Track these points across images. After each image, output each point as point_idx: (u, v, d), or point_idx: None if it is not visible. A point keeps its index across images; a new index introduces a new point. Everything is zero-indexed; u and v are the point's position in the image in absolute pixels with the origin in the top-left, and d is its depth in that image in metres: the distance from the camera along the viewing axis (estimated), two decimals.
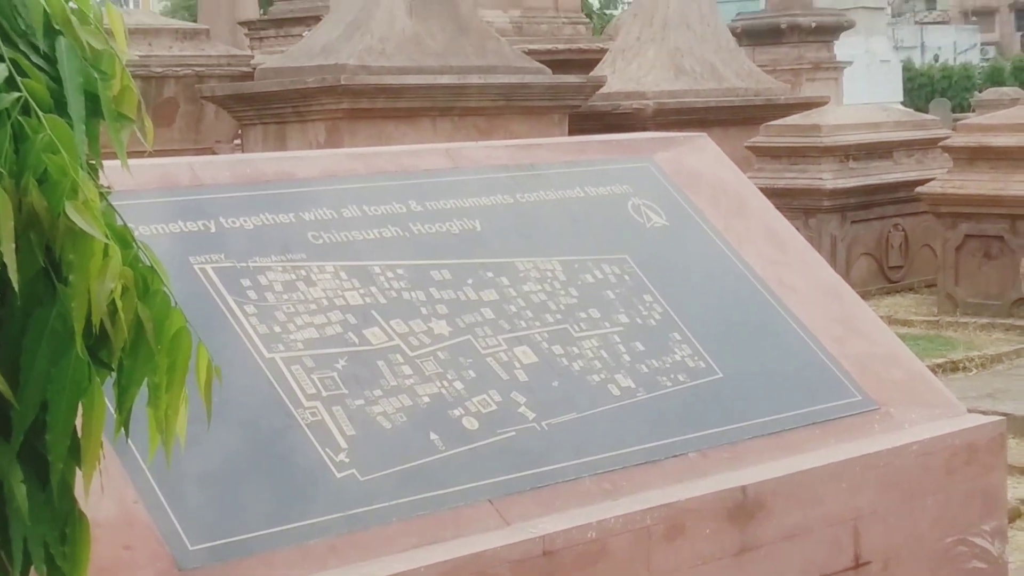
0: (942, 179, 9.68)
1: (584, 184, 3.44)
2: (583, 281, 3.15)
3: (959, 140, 9.86)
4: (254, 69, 10.44)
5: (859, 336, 3.40)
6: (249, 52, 14.63)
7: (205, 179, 2.90)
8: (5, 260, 1.44)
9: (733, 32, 16.99)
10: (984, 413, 3.61)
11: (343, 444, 2.55)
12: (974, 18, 65.63)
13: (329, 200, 3.02)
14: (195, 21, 18.90)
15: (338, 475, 2.51)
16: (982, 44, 57.30)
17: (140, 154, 2.07)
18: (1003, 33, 65.66)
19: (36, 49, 1.57)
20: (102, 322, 1.54)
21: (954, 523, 3.18)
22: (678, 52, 11.61)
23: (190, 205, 2.82)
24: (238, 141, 10.00)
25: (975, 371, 7.39)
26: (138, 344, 1.60)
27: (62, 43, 1.56)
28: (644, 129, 9.96)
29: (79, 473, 1.58)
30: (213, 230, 2.80)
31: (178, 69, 10.61)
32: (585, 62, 11.61)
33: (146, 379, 1.62)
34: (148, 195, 2.74)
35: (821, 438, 3.07)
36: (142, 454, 2.23)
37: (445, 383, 2.75)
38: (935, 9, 68.10)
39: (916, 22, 59.20)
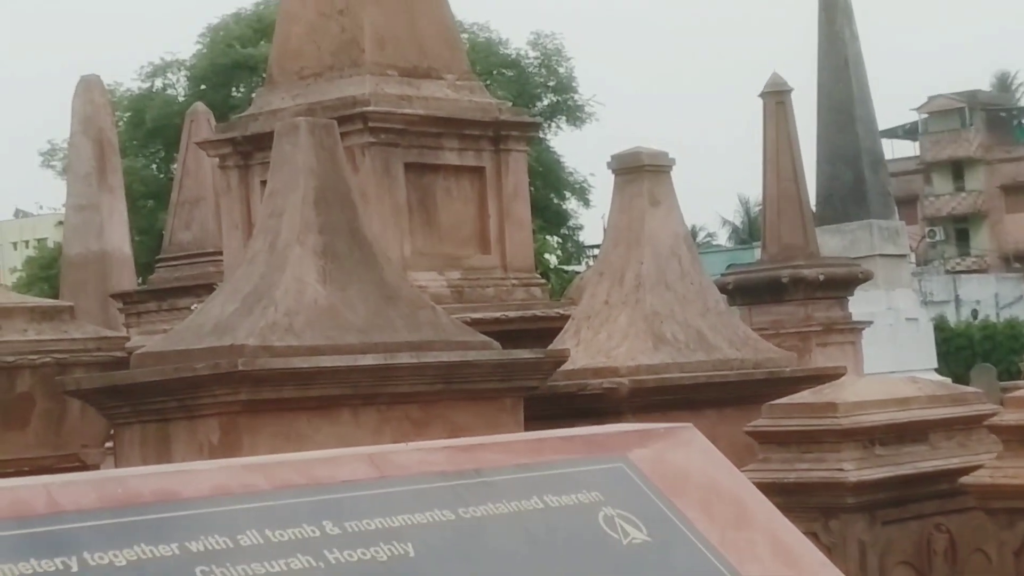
0: (991, 466, 9.73)
1: (543, 493, 3.45)
2: None
3: (1010, 417, 9.95)
4: (130, 354, 10.48)
5: None
6: (124, 333, 14.73)
7: (65, 504, 2.89)
8: None
9: (723, 289, 17.34)
10: None
11: None
12: (1017, 264, 67.33)
13: (223, 525, 3.00)
14: (56, 296, 19.09)
15: None
16: None
17: None
18: None
19: None
20: None
21: None
22: (656, 317, 11.77)
23: (46, 538, 2.80)
24: (110, 444, 9.96)
25: None
26: None
27: None
28: (618, 413, 10.01)
29: None
30: (75, 569, 2.77)
31: (34, 357, 10.61)
32: (542, 332, 11.74)
33: None
34: None
35: None
36: None
37: None
38: (969, 255, 69.95)
39: (948, 271, 60.68)
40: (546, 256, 41.59)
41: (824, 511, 10.07)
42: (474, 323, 10.30)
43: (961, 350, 39.54)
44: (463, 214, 12.39)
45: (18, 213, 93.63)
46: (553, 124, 45.41)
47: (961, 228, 75.31)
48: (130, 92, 44.16)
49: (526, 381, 9.53)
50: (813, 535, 8.29)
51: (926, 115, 77.78)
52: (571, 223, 47.71)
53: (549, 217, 42.92)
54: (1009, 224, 73.04)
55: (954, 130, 76.49)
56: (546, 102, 45.51)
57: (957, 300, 52.04)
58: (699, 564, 3.46)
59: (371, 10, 12.29)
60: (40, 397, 10.77)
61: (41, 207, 72.58)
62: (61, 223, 27.71)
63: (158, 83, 44.78)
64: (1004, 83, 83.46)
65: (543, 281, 13.47)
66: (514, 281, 12.49)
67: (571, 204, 46.78)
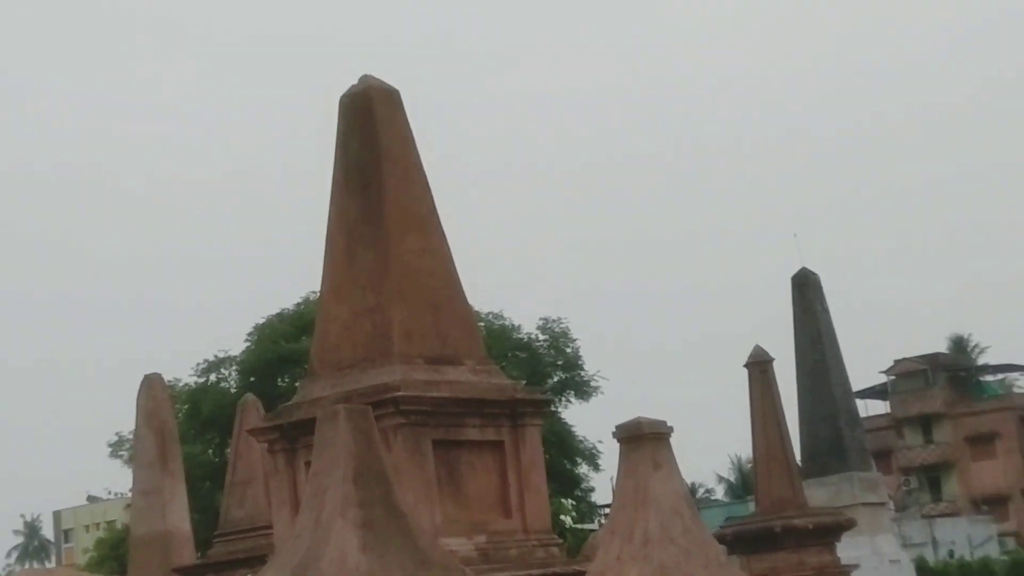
0: None
1: None
2: None
3: None
4: None
5: None
6: None
7: None
8: None
9: (723, 540, 17.07)
10: None
11: None
12: (985, 507, 66.62)
13: None
14: (123, 573, 18.89)
15: None
16: (999, 535, 57.86)
17: None
18: (1020, 521, 66.50)
19: None
20: None
21: None
22: (664, 571, 11.57)
23: None
24: None
25: None
26: None
27: None
28: None
29: None
30: None
31: None
32: None
33: None
34: None
35: None
36: None
37: None
38: (942, 500, 69.29)
39: (923, 516, 59.98)
40: (562, 517, 41.12)
41: None
42: None
43: None
44: (486, 484, 12.30)
45: (90, 499, 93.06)
46: (563, 398, 45.36)
47: (933, 476, 74.66)
48: (188, 386, 44.20)
49: None
50: None
51: (894, 376, 77.82)
52: (583, 486, 47.20)
53: (563, 481, 42.54)
54: (975, 471, 72.50)
55: (920, 389, 76.47)
56: (556, 379, 45.49)
57: (934, 542, 51.31)
58: None
59: (398, 307, 12.39)
60: None
61: (110, 492, 72.03)
62: (128, 506, 27.55)
63: (212, 377, 44.83)
64: (960, 345, 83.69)
65: (560, 541, 13.28)
66: (534, 542, 12.33)
67: (582, 468, 46.37)
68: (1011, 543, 57.84)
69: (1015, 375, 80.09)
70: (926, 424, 75.52)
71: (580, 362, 46.91)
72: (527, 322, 47.55)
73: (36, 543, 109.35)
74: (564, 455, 43.86)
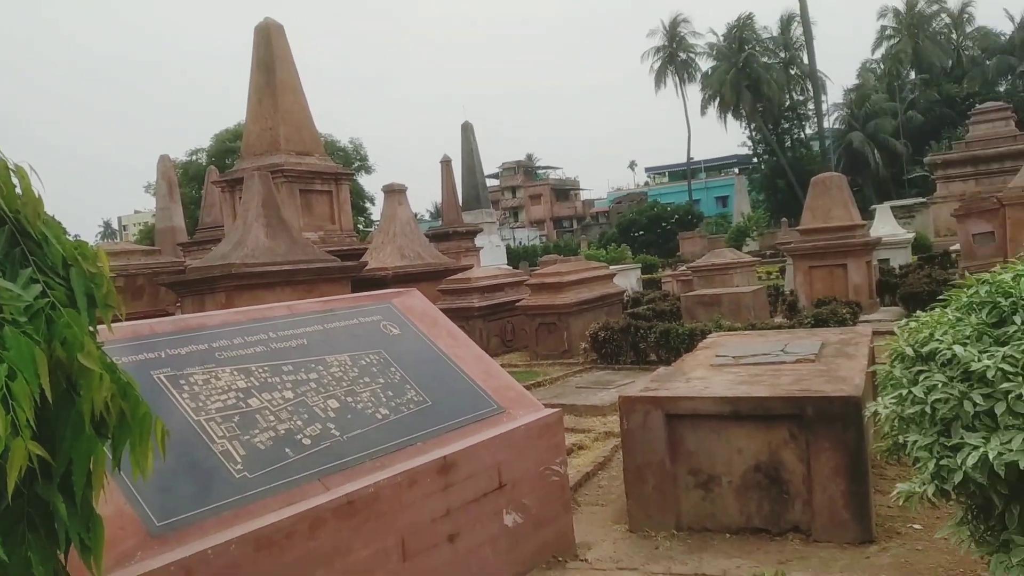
0: (527, 299, 10.04)
1: (358, 317, 3.39)
2: (360, 365, 3.09)
3: (533, 281, 10.29)
4: (186, 268, 9.76)
5: (494, 378, 3.47)
6: (184, 259, 13.69)
7: (158, 330, 2.69)
8: (43, 386, 1.32)
9: (427, 235, 17.24)
10: (553, 407, 3.72)
11: (239, 460, 2.39)
12: (535, 225, 69.23)
13: (227, 335, 2.85)
14: (154, 245, 17.59)
15: (236, 476, 2.35)
16: (540, 236, 60.32)
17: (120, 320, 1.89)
18: (549, 231, 69.53)
19: (57, 274, 1.45)
20: (102, 414, 1.42)
21: (543, 461, 3.25)
22: (402, 248, 11.65)
23: (149, 345, 2.60)
24: (179, 304, 9.32)
25: (547, 386, 7.63)
26: (122, 423, 1.48)
27: (72, 271, 1.45)
28: (387, 286, 9.89)
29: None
30: (163, 356, 2.59)
31: (145, 270, 9.81)
32: (357, 254, 11.47)
33: (128, 440, 1.49)
34: (126, 342, 2.52)
35: (480, 428, 3.09)
36: (128, 479, 2.02)
37: (292, 422, 2.62)
38: (518, 221, 71.48)
39: (510, 228, 61.75)
40: (358, 226, 40.36)
41: (466, 318, 10.21)
42: (329, 252, 9.98)
43: (517, 257, 40.29)
44: (323, 209, 11.93)
45: (136, 211, 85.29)
46: (359, 173, 43.99)
47: (515, 212, 76.56)
48: (183, 160, 40.64)
49: (351, 274, 9.30)
50: (462, 327, 8.43)
51: (501, 169, 78.66)
52: (367, 213, 46.50)
53: (359, 210, 41.54)
54: (531, 209, 74.79)
55: (512, 174, 77.62)
56: (355, 164, 43.91)
57: (515, 238, 53.12)
58: (420, 342, 3.45)
59: (283, 127, 11.64)
60: (147, 287, 9.96)
61: (145, 208, 66.18)
62: (155, 215, 25.40)
63: (194, 157, 41.37)
64: (530, 158, 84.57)
65: (356, 234, 13.09)
66: (345, 234, 12.12)
67: (368, 205, 45.51)
68: (544, 239, 60.47)
69: (552, 170, 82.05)
70: (513, 190, 76.96)
71: (368, 157, 45.46)
72: (343, 138, 45.50)
73: (110, 232, 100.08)
74: (360, 198, 42.82)
